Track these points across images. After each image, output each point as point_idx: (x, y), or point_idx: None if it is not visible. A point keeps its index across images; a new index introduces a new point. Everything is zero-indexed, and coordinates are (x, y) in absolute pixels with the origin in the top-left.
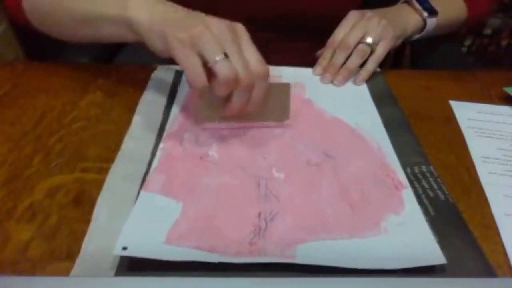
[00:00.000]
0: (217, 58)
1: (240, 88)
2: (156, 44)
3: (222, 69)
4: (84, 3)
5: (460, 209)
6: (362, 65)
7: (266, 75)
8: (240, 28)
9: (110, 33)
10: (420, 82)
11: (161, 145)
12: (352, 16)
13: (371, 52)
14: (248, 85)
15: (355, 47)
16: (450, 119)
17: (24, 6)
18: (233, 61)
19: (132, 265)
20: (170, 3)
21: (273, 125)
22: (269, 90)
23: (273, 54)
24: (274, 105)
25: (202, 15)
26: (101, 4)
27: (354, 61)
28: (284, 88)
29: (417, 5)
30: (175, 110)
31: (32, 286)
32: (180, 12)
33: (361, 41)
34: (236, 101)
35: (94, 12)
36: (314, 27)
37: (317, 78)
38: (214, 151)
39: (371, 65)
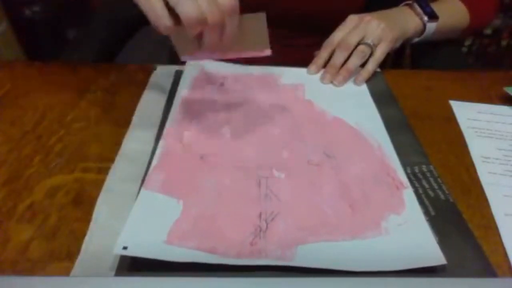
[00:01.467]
0: None
1: (209, 27)
2: None
3: (184, 9)
4: None
5: (460, 209)
6: (362, 65)
7: (236, 9)
8: None
9: None
10: (420, 82)
11: (161, 143)
12: (351, 20)
13: (371, 54)
14: (216, 22)
15: (355, 48)
16: (450, 119)
17: None
18: (199, 1)
19: (133, 265)
20: None
21: (253, 55)
22: (244, 22)
23: (273, 51)
24: (251, 36)
25: None
26: None
27: (354, 61)
28: (259, 18)
29: (418, 9)
30: (174, 109)
31: (32, 286)
32: None
33: (361, 42)
34: (208, 39)
35: None
36: (315, 25)
37: (317, 78)
38: (214, 151)
39: (371, 66)
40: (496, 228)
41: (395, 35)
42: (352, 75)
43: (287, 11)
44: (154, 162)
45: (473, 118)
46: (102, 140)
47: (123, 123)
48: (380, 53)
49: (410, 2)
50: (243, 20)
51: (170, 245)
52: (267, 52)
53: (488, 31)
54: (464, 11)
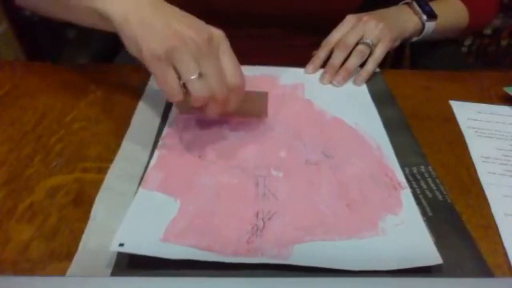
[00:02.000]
0: (192, 77)
1: (214, 102)
2: (130, 48)
3: (196, 89)
4: None
5: (460, 209)
6: (361, 65)
7: (242, 88)
8: (218, 36)
9: (89, 23)
10: (420, 82)
11: (160, 143)
12: (349, 19)
13: (370, 53)
14: (222, 100)
15: (354, 48)
16: (450, 119)
17: None
18: (209, 79)
19: (130, 263)
20: None
21: (250, 118)
22: (247, 96)
23: (271, 51)
24: (252, 106)
25: (181, 17)
26: None
27: (354, 61)
28: (262, 95)
29: (417, 8)
30: (174, 109)
31: (32, 286)
32: (157, 12)
33: (359, 42)
34: (210, 112)
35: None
36: (314, 25)
37: (317, 78)
38: (213, 150)
39: (371, 66)
40: (496, 228)
41: (394, 34)
42: (351, 75)
43: (285, 10)
44: (152, 161)
45: (473, 118)
46: (102, 140)
47: (123, 123)
48: (379, 53)
49: (409, 1)
50: (246, 94)
51: (166, 243)
52: (264, 117)
53: (488, 31)
54: (464, 11)
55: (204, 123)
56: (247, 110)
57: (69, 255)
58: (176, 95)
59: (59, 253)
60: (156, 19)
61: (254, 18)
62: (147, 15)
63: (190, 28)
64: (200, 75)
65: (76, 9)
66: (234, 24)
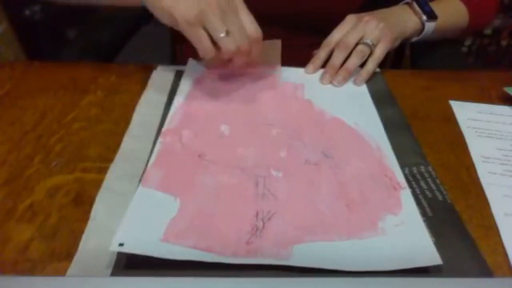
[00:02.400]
0: (221, 35)
1: (240, 54)
2: (163, 19)
3: (226, 44)
4: None
5: (460, 209)
6: (361, 66)
7: (260, 39)
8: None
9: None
10: (420, 82)
11: (159, 141)
12: (350, 19)
13: (370, 53)
14: (247, 51)
15: (354, 48)
16: (450, 119)
17: None
18: (235, 35)
19: (129, 263)
20: None
21: (266, 68)
22: (264, 46)
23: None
24: (268, 55)
25: None
26: None
27: (354, 61)
28: (276, 44)
29: (417, 8)
30: (174, 109)
31: (32, 286)
32: None
33: (360, 42)
34: (237, 62)
35: None
36: (314, 26)
37: (317, 78)
38: (212, 150)
39: (371, 66)
40: (496, 228)
41: (394, 35)
42: (351, 75)
43: (286, 11)
44: (152, 160)
45: (473, 118)
46: (102, 140)
47: (123, 123)
48: (379, 53)
49: (409, 1)
50: (264, 44)
51: (166, 243)
52: (278, 67)
53: (488, 31)
54: (464, 11)
55: (204, 123)
56: (264, 59)
57: (69, 255)
58: (210, 52)
59: (59, 253)
60: None
61: (256, 16)
62: None
63: None
64: (227, 33)
65: None
66: None
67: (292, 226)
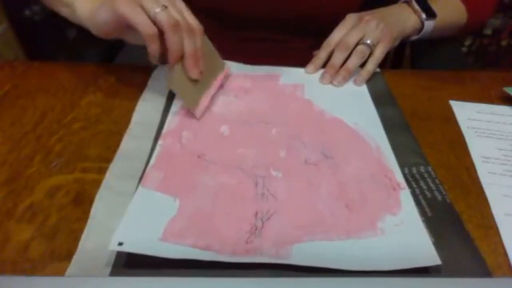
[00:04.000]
0: (157, 10)
1: (185, 32)
2: (103, 19)
3: (163, 16)
4: None
5: (460, 209)
6: (361, 65)
7: (202, 30)
8: None
9: (66, 15)
10: (420, 82)
11: (159, 142)
12: (350, 19)
13: (370, 54)
14: (189, 28)
15: (354, 48)
16: (450, 119)
17: None
18: (170, 10)
19: (128, 262)
20: None
21: (221, 79)
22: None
23: (273, 54)
24: (211, 59)
25: None
26: None
27: (354, 61)
28: (206, 41)
29: (417, 6)
30: (174, 109)
31: (32, 286)
32: None
33: (360, 42)
34: (188, 46)
35: None
36: (314, 29)
37: (317, 78)
38: (212, 150)
39: (371, 66)
40: (496, 228)
41: (394, 34)
42: (351, 75)
43: (285, 14)
44: (152, 161)
45: (473, 118)
46: (102, 140)
47: (123, 123)
48: (379, 53)
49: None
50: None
51: (165, 242)
52: (228, 70)
53: (488, 31)
54: (462, 9)
55: (204, 124)
56: (212, 67)
57: (69, 255)
58: (149, 27)
59: (59, 253)
60: None
61: (256, 22)
62: None
63: None
64: (163, 8)
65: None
66: (235, 27)
67: (291, 225)
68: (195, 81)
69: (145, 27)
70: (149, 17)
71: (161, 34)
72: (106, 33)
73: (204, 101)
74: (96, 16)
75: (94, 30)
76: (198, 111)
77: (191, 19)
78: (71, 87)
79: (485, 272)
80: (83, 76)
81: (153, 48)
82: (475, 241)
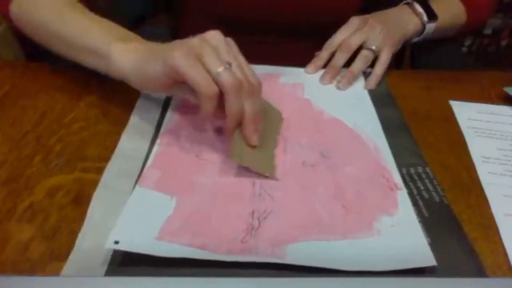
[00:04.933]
0: (220, 69)
1: (246, 93)
2: (153, 72)
3: (228, 78)
4: (73, 31)
5: (460, 209)
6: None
7: (261, 86)
8: (231, 40)
9: (93, 65)
10: (420, 82)
11: (157, 141)
12: (353, 21)
13: (375, 58)
14: (251, 89)
15: (358, 51)
16: (450, 119)
17: (12, 9)
18: (234, 70)
19: (124, 261)
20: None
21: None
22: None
23: (275, 57)
24: (270, 113)
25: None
26: (86, 37)
27: (359, 65)
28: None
29: (420, 9)
30: (172, 108)
31: (32, 286)
32: (159, 44)
33: (363, 47)
34: (249, 110)
35: (82, 43)
36: (316, 31)
37: (316, 78)
38: (210, 149)
39: (379, 70)
40: (496, 228)
41: (397, 39)
42: (356, 78)
43: (286, 18)
44: (150, 160)
45: (473, 118)
46: (101, 140)
47: (123, 123)
48: (385, 57)
49: (409, 1)
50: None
51: (161, 241)
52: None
53: (488, 31)
54: (461, 9)
55: (202, 123)
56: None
57: (68, 255)
58: (211, 86)
59: (59, 253)
60: (161, 46)
61: (257, 26)
62: (151, 47)
63: (204, 34)
64: (225, 68)
65: (83, 52)
66: (237, 30)
67: (287, 225)
68: (253, 146)
69: (206, 88)
70: (210, 75)
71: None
72: (151, 87)
73: (277, 161)
74: (143, 70)
75: (138, 84)
76: (276, 174)
77: (252, 77)
78: (71, 87)
79: (481, 272)
80: (83, 77)
81: (210, 108)
82: (475, 241)
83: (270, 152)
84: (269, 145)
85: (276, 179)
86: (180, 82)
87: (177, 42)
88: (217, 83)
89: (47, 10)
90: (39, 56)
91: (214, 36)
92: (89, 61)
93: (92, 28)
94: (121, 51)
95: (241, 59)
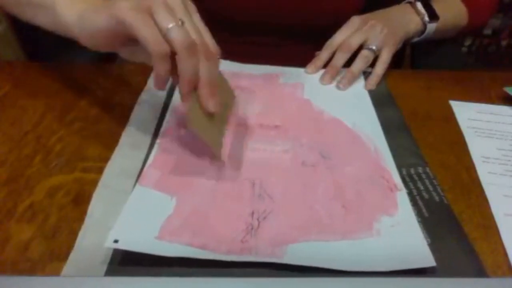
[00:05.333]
0: (171, 25)
1: (201, 55)
2: (98, 26)
3: (179, 35)
4: None
5: (460, 209)
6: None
7: (219, 52)
8: (190, 3)
9: (43, 22)
10: (420, 82)
11: (157, 141)
12: (354, 21)
13: (376, 58)
14: (207, 51)
15: (358, 51)
16: (450, 119)
17: None
18: (188, 28)
19: (124, 261)
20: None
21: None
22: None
23: (274, 58)
24: (222, 87)
25: None
26: None
27: (359, 65)
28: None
29: (422, 9)
30: (173, 108)
31: (32, 286)
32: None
33: (364, 46)
34: (204, 73)
35: None
36: (316, 33)
37: (316, 78)
38: (210, 149)
39: (380, 70)
40: (496, 228)
41: (398, 39)
42: (356, 78)
43: (286, 19)
44: (150, 159)
45: (473, 118)
46: (102, 140)
47: (123, 122)
48: (386, 57)
49: (412, 0)
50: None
51: (161, 241)
52: (236, 98)
53: (488, 31)
54: (463, 10)
55: None
56: (225, 98)
57: (68, 255)
58: (161, 44)
59: (59, 253)
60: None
61: (257, 27)
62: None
63: None
64: (177, 24)
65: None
66: (236, 31)
67: (287, 225)
68: (211, 115)
69: (156, 44)
70: (160, 31)
71: (172, 54)
72: (97, 43)
73: (224, 142)
74: (88, 21)
75: (82, 39)
76: (223, 154)
77: (209, 39)
78: (71, 87)
79: (481, 272)
80: (83, 76)
81: (162, 70)
82: (475, 241)
83: (220, 127)
84: (220, 120)
85: (220, 160)
86: (129, 40)
87: None
88: (167, 41)
89: None
90: (39, 56)
91: None
92: (40, 18)
93: None
94: (66, 2)
95: (198, 20)
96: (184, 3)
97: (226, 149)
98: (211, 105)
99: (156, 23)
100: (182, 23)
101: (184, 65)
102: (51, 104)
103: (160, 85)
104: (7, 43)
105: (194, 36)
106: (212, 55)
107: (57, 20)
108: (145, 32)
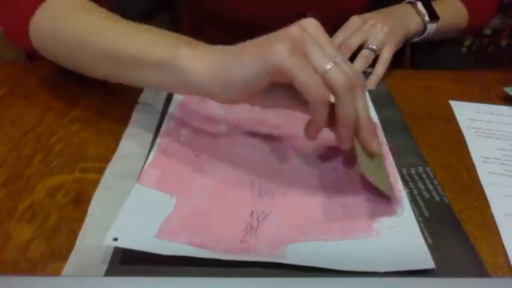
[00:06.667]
0: (328, 66)
1: (357, 94)
2: (246, 76)
3: (339, 76)
4: (126, 43)
5: (460, 209)
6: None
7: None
8: (323, 31)
9: (153, 80)
10: (420, 82)
11: (157, 140)
12: (354, 21)
13: (376, 57)
14: (361, 86)
15: (358, 51)
16: (450, 119)
17: (31, 28)
18: (344, 67)
19: (124, 260)
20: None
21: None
22: None
23: None
24: None
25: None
26: (147, 46)
27: (359, 65)
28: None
29: (423, 9)
30: (173, 107)
31: (32, 286)
32: (235, 46)
33: (364, 46)
34: (363, 112)
35: (136, 54)
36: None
37: None
38: (209, 149)
39: (380, 69)
40: (496, 228)
41: (398, 38)
42: None
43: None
44: (149, 159)
45: (473, 118)
46: (102, 140)
47: (123, 123)
48: (387, 57)
49: (413, 0)
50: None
51: (160, 239)
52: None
53: (488, 31)
54: (463, 11)
55: (202, 123)
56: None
57: (69, 255)
58: (323, 89)
59: (59, 253)
60: (241, 46)
61: (257, 27)
62: (231, 50)
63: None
64: (334, 64)
65: (139, 65)
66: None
67: (287, 225)
68: (371, 155)
69: (317, 90)
70: (318, 73)
71: None
72: (234, 96)
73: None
74: (227, 73)
75: (217, 94)
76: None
77: (355, 74)
78: (71, 87)
79: (482, 273)
80: (83, 76)
81: (322, 118)
82: (475, 241)
83: (384, 165)
84: (380, 158)
85: (398, 201)
86: (268, 88)
87: (271, 35)
88: (327, 83)
89: (77, 22)
90: (39, 56)
91: (313, 25)
92: (145, 77)
93: (141, 35)
94: (191, 56)
95: (342, 53)
96: (326, 34)
97: (226, 149)
98: (375, 145)
99: (313, 65)
100: (336, 61)
101: (347, 107)
102: (51, 104)
103: (315, 135)
104: (7, 43)
105: (350, 73)
106: (364, 90)
107: (181, 77)
108: (306, 78)
